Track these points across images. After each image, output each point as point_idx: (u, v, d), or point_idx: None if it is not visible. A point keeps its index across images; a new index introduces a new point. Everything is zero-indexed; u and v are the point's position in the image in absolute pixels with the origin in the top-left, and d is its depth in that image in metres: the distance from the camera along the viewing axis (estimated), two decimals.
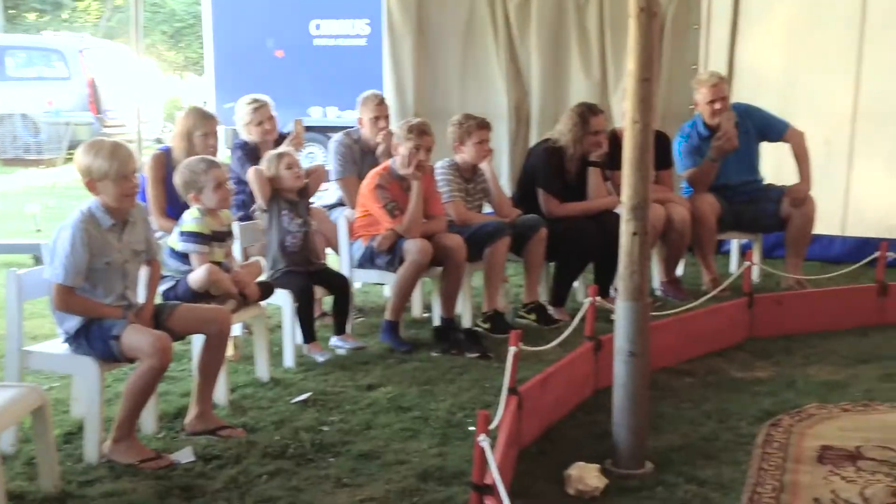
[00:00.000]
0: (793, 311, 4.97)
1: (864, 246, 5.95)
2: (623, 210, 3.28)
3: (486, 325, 5.00)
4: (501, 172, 6.89)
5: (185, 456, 3.40)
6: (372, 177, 4.87)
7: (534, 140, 6.67)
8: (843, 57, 6.33)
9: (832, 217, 6.32)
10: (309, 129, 12.05)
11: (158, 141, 12.97)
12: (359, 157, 5.49)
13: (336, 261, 5.18)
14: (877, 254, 5.23)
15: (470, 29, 7.04)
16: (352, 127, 5.67)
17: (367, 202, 4.85)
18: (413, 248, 4.67)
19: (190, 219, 4.01)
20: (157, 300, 3.79)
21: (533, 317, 5.18)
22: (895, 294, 5.10)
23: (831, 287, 5.31)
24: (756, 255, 5.86)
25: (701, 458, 3.35)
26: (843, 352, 4.62)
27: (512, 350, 3.35)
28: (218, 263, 4.00)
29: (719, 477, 3.18)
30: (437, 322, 4.92)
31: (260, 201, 4.59)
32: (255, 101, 5.28)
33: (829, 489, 3.06)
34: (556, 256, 5.32)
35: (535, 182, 5.40)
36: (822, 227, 5.99)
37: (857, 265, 5.47)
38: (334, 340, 4.69)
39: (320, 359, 4.49)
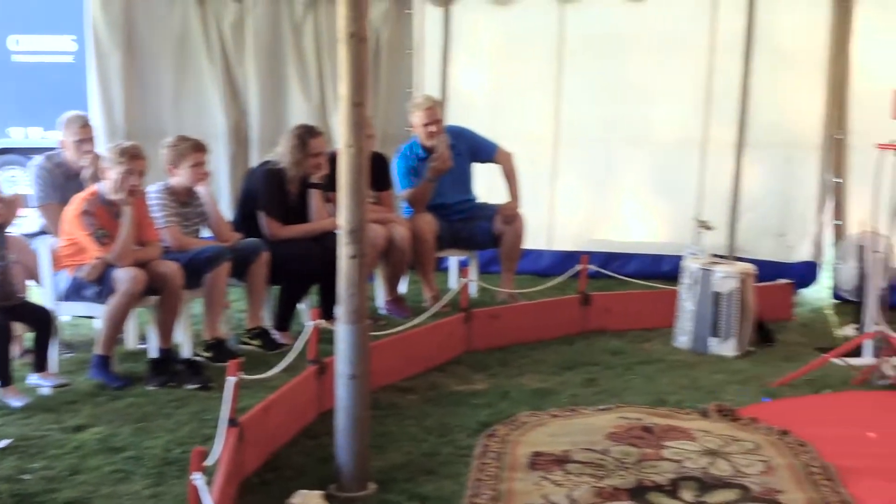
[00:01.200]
0: (507, 324, 5.21)
1: (568, 259, 6.36)
2: (340, 234, 3.29)
3: (208, 354, 4.84)
4: (221, 195, 6.72)
5: None
6: (78, 202, 4.58)
7: (254, 162, 6.56)
8: (545, 83, 6.76)
9: (539, 232, 6.71)
10: (8, 151, 11.27)
11: None
12: (62, 182, 5.12)
13: (39, 293, 4.81)
14: (579, 267, 5.61)
15: (183, 47, 6.82)
16: (55, 149, 5.29)
17: (73, 229, 4.56)
18: (124, 277, 4.44)
19: None
20: None
21: (257, 342, 5.07)
22: (596, 304, 5.48)
23: (540, 299, 5.61)
24: (473, 272, 6.11)
25: (423, 475, 3.42)
26: (552, 360, 4.90)
27: (231, 380, 3.26)
28: None
29: (440, 491, 3.26)
30: (153, 354, 4.68)
31: None
32: None
33: (541, 494, 3.23)
34: (279, 280, 5.25)
35: (256, 205, 5.32)
36: (531, 242, 6.35)
37: (563, 277, 5.85)
38: (33, 378, 4.33)
39: (16, 404, 4.13)
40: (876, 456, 3.60)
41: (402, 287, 6.06)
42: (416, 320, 5.00)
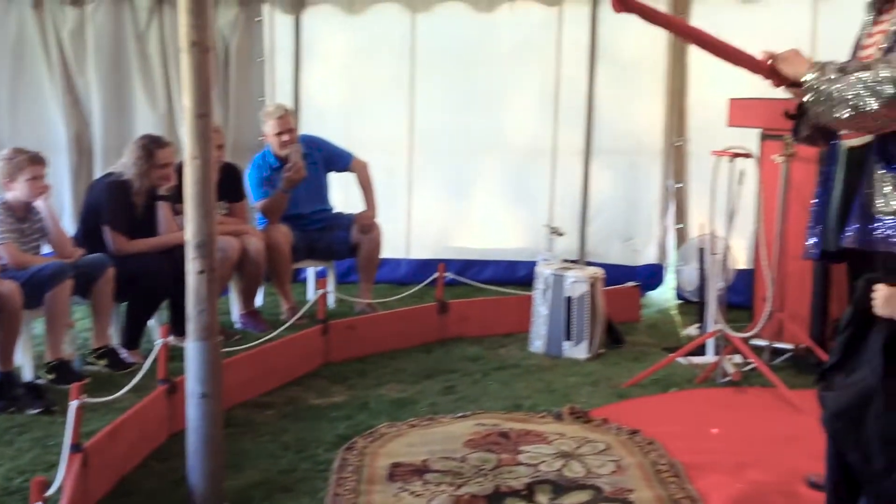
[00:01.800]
0: (365, 334, 5.19)
1: (425, 267, 6.40)
2: (188, 248, 3.21)
3: (51, 376, 4.62)
4: (63, 209, 6.44)
5: None
6: None
7: (98, 173, 6.31)
8: (398, 92, 6.77)
9: (397, 241, 6.73)
10: None
11: None
12: None
13: None
14: (436, 274, 5.65)
15: (18, 55, 6.49)
16: None
17: None
18: None
19: None
20: None
21: (104, 362, 4.88)
22: (453, 311, 5.53)
23: (399, 308, 5.62)
24: (330, 283, 6.06)
25: (280, 492, 3.36)
26: (411, 369, 4.91)
27: (74, 404, 3.13)
28: None
29: None
30: None
31: None
32: None
33: None
34: (126, 296, 5.07)
35: (100, 219, 5.12)
36: (388, 251, 6.36)
37: (421, 285, 5.88)
38: None
39: None
40: (719, 451, 3.76)
41: (258, 300, 5.96)
42: (273, 333, 4.93)
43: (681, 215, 6.59)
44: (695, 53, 6.36)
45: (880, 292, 2.49)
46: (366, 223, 6.02)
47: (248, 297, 5.77)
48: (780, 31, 5.75)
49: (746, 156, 4.81)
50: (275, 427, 4.06)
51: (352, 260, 6.19)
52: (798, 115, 3.08)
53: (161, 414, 3.86)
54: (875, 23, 3.09)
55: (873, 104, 2.76)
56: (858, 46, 3.13)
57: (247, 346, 4.66)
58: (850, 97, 2.79)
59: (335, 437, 3.89)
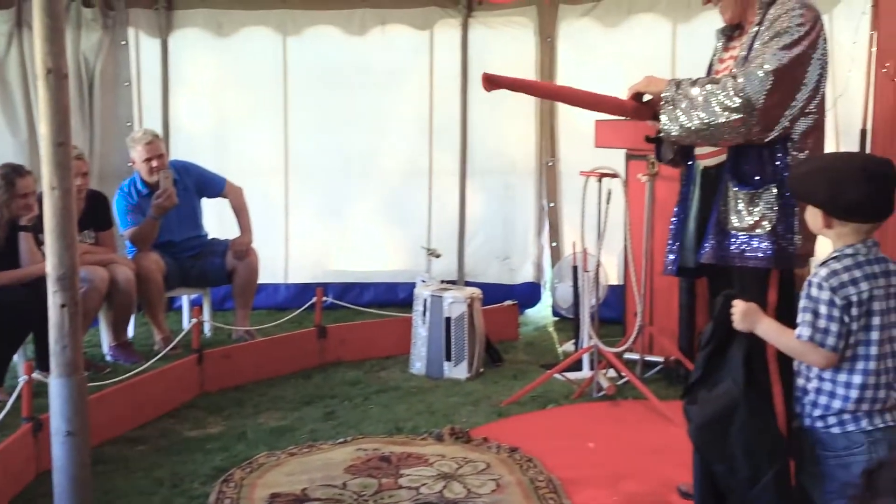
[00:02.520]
0: (242, 362, 5.09)
1: (304, 292, 6.35)
2: (49, 281, 3.08)
3: None
4: None
5: None
6: None
7: None
8: (272, 116, 6.72)
9: (275, 266, 6.67)
10: None
11: None
12: None
13: None
14: (314, 299, 5.60)
15: None
16: None
17: None
18: None
19: None
20: None
21: None
22: (332, 335, 5.49)
23: (278, 334, 5.54)
24: (206, 311, 5.94)
25: None
26: (290, 396, 4.84)
27: None
28: None
29: None
30: None
31: None
32: None
33: None
34: None
35: None
36: (266, 276, 6.28)
37: (300, 310, 5.82)
38: None
39: None
40: (595, 465, 3.85)
41: (130, 331, 5.78)
42: (145, 365, 4.79)
43: (554, 234, 6.73)
44: (563, 74, 6.54)
45: (738, 307, 2.60)
46: (241, 249, 5.93)
47: (118, 329, 5.59)
48: (641, 54, 5.98)
49: (613, 175, 4.96)
50: (148, 462, 3.93)
51: (228, 287, 6.07)
52: (658, 139, 3.23)
53: (27, 453, 3.69)
54: (725, 49, 3.25)
55: (722, 116, 2.94)
56: (711, 71, 3.29)
57: (117, 379, 4.51)
58: (700, 110, 2.96)
59: (211, 470, 3.80)
